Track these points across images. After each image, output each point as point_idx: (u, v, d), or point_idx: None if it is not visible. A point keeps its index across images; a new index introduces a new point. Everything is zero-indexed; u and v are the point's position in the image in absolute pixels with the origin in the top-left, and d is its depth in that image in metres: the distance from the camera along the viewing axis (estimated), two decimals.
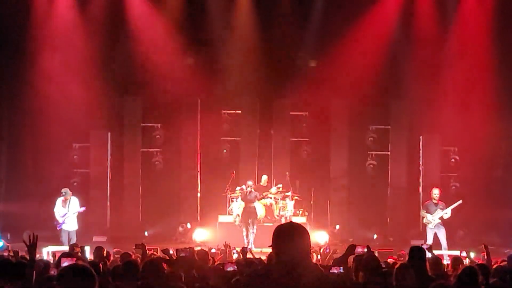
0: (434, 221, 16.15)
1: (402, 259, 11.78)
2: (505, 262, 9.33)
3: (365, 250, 6.92)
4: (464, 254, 11.40)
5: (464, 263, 9.94)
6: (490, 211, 19.64)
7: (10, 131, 20.68)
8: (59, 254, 9.81)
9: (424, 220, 16.43)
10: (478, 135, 19.94)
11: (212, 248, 14.82)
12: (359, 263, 7.11)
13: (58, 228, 16.44)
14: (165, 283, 6.66)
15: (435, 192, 16.45)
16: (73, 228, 16.48)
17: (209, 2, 20.68)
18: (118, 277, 7.07)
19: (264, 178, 19.69)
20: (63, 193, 16.59)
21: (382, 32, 20.36)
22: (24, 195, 20.14)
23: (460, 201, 16.54)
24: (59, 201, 16.55)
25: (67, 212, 16.37)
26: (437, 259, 9.14)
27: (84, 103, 19.88)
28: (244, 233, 17.39)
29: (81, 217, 16.76)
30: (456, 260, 9.26)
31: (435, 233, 16.18)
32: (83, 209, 16.73)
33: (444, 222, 16.34)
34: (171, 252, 9.88)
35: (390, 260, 10.30)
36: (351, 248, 6.74)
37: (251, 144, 21.24)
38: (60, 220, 16.34)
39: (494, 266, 8.60)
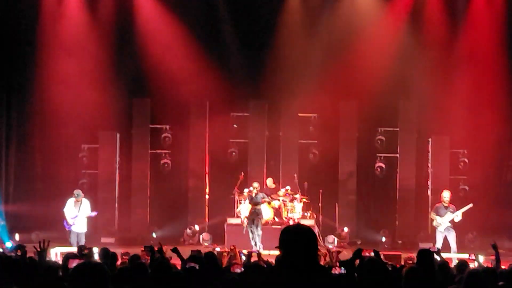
0: (444, 224, 16.04)
1: (410, 262, 11.74)
2: None
3: (372, 254, 6.89)
4: (472, 257, 11.32)
5: (472, 266, 9.88)
6: (500, 214, 19.57)
7: (19, 132, 20.75)
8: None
9: (434, 223, 16.31)
10: (487, 137, 19.89)
11: (216, 247, 14.86)
12: (363, 266, 7.08)
13: (67, 229, 16.43)
14: (174, 284, 6.66)
15: (446, 196, 16.30)
16: (83, 230, 16.44)
17: (218, 5, 20.70)
18: (127, 279, 7.06)
19: (269, 180, 19.68)
20: (76, 195, 16.51)
21: (391, 34, 20.33)
22: (33, 195, 20.22)
23: (471, 205, 16.41)
24: (71, 201, 16.50)
25: (78, 214, 16.35)
26: (445, 263, 9.09)
27: (93, 104, 19.95)
28: (251, 236, 17.34)
29: (89, 218, 16.74)
30: (462, 264, 9.21)
31: (445, 236, 16.08)
32: (94, 213, 16.69)
33: (454, 226, 16.26)
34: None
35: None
36: (358, 252, 6.70)
37: (259, 146, 21.21)
38: (70, 221, 16.32)
39: (502, 269, 8.54)
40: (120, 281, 7.30)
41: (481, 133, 19.91)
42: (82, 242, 15.81)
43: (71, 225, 16.31)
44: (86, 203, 16.55)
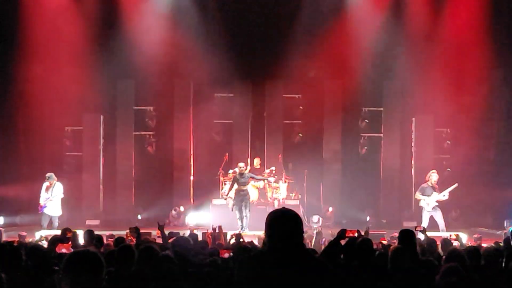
0: (432, 204, 16.21)
1: (395, 241, 11.82)
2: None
3: (356, 234, 6.95)
4: (453, 237, 11.43)
5: (455, 244, 9.98)
6: (483, 192, 19.72)
7: (2, 114, 20.54)
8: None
9: (421, 203, 16.42)
10: (471, 117, 20.01)
11: (208, 229, 14.83)
12: (352, 246, 7.12)
13: (39, 212, 16.31)
14: (159, 267, 6.67)
15: (434, 178, 16.46)
16: (56, 213, 16.29)
17: None
18: (113, 262, 7.04)
19: (256, 161, 19.69)
20: (47, 178, 16.38)
21: (375, 15, 20.30)
22: (17, 178, 20.06)
23: (456, 184, 16.59)
24: (44, 186, 16.42)
25: (50, 196, 16.21)
26: (432, 242, 9.16)
27: (77, 86, 19.80)
28: (238, 216, 17.25)
29: (73, 201, 16.70)
30: (445, 243, 9.30)
31: (431, 216, 16.23)
32: (61, 196, 16.48)
33: (439, 205, 16.41)
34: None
35: (384, 242, 10.34)
36: (342, 232, 6.76)
37: (244, 127, 21.21)
38: (42, 203, 16.20)
39: (484, 248, 8.63)
40: (106, 264, 7.29)
41: (465, 112, 20.01)
42: (55, 226, 15.75)
43: (43, 207, 16.18)
44: (58, 186, 16.41)
